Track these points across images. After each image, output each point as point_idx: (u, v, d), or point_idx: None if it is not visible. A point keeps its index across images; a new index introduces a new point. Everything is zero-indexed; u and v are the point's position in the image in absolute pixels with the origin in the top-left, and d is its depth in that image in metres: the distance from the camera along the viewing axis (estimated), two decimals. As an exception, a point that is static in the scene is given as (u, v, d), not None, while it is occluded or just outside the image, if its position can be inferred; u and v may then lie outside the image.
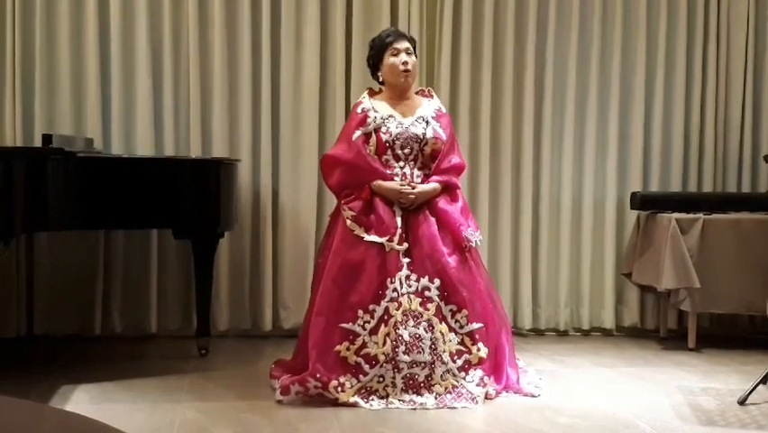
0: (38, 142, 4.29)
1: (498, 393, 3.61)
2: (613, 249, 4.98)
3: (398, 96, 3.80)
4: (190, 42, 4.56)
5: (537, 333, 4.97)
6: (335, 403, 3.43)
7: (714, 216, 4.62)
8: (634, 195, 4.82)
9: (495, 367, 3.66)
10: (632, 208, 4.86)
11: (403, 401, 3.45)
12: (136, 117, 4.55)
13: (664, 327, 4.94)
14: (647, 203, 4.76)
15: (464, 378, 3.54)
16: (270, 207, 4.68)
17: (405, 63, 3.73)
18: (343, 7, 4.68)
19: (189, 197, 4.03)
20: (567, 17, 4.92)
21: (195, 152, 4.57)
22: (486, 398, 3.56)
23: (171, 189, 3.97)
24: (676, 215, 4.59)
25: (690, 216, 4.60)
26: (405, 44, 3.77)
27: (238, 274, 4.69)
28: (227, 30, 4.61)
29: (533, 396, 3.65)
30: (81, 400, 3.45)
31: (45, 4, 4.44)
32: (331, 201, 4.68)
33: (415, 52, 3.82)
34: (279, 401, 3.46)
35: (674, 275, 4.49)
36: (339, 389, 3.45)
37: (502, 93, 4.86)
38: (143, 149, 4.53)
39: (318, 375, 3.45)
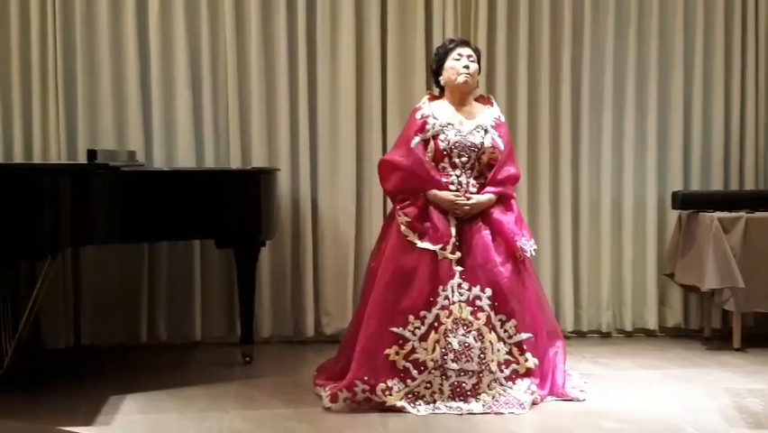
0: (82, 157, 4.38)
1: (542, 399, 3.62)
2: (654, 249, 4.94)
3: (458, 101, 3.80)
4: (228, 54, 4.62)
5: (579, 335, 4.94)
6: (383, 407, 3.46)
7: (757, 214, 4.56)
8: (675, 194, 4.78)
9: (541, 375, 3.66)
10: (673, 208, 4.82)
11: (450, 408, 3.48)
12: (177, 130, 4.62)
13: (708, 327, 4.89)
14: (689, 202, 4.71)
15: (511, 387, 3.55)
16: (310, 215, 4.72)
17: (466, 67, 3.75)
18: (378, 16, 4.70)
19: (231, 207, 4.07)
20: (603, 15, 4.89)
21: (234, 162, 4.62)
22: (532, 403, 3.56)
23: (213, 200, 4.02)
24: (718, 214, 4.55)
25: (733, 214, 4.55)
26: (468, 51, 3.80)
27: (280, 282, 4.73)
28: (264, 42, 4.65)
29: (578, 400, 3.65)
30: (130, 411, 3.51)
31: (85, 23, 4.51)
32: (370, 208, 4.73)
33: (478, 62, 3.83)
34: (328, 409, 3.50)
35: (718, 275, 4.44)
36: (386, 392, 3.48)
37: (539, 94, 4.85)
38: (184, 161, 4.60)
39: (366, 378, 3.49)
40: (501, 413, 3.46)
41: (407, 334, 3.55)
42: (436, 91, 3.93)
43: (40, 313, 4.38)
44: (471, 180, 3.73)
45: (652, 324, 4.96)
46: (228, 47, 4.61)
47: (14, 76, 4.48)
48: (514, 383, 3.56)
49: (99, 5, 4.53)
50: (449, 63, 3.78)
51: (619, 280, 4.97)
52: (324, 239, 4.75)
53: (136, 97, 4.56)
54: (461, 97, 3.80)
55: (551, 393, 3.65)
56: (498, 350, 3.57)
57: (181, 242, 4.55)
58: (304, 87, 4.68)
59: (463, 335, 3.55)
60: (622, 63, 4.92)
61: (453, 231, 3.65)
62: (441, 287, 3.58)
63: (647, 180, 4.94)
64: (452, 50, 3.80)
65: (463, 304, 3.57)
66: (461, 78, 3.75)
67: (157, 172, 4.26)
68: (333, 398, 3.51)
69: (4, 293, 3.99)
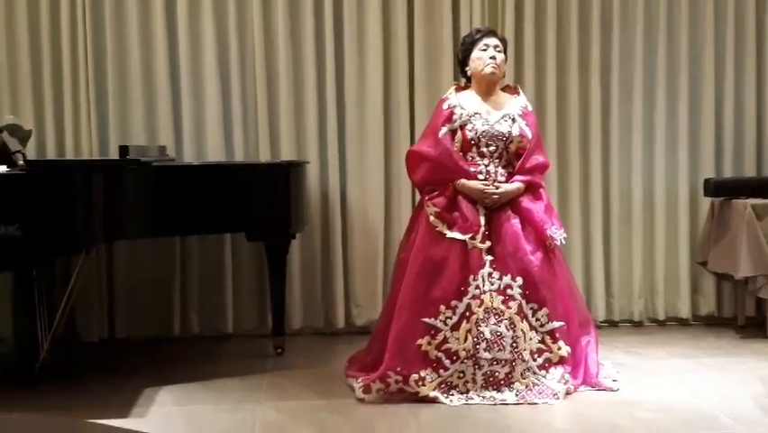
0: (113, 152, 4.42)
1: (575, 388, 3.61)
2: (687, 237, 4.90)
3: (485, 91, 3.79)
4: (256, 48, 4.63)
5: (611, 324, 4.91)
6: (416, 397, 3.48)
7: (791, 200, 4.51)
8: (707, 181, 4.73)
9: (573, 363, 3.65)
10: (705, 195, 4.77)
11: (483, 397, 3.48)
12: (206, 124, 4.65)
13: (742, 315, 4.83)
14: (721, 189, 4.67)
15: (544, 376, 3.55)
16: (339, 207, 4.73)
17: (492, 58, 3.74)
18: (405, 7, 4.69)
19: (261, 200, 4.10)
20: (632, 1, 4.84)
21: (264, 155, 4.65)
22: (566, 393, 3.56)
23: (243, 194, 4.04)
24: (751, 200, 4.50)
25: (766, 201, 4.50)
26: (494, 41, 3.78)
27: (310, 274, 4.76)
28: (291, 35, 4.66)
29: (611, 390, 3.64)
30: (165, 402, 3.55)
31: (114, 21, 4.55)
32: (399, 198, 4.73)
33: (505, 52, 3.82)
34: (361, 400, 3.52)
35: (751, 262, 4.39)
36: (419, 383, 3.49)
37: (568, 83, 4.82)
38: (214, 155, 4.63)
39: (399, 369, 3.50)
40: (535, 403, 3.46)
41: (439, 324, 3.55)
42: (463, 81, 3.92)
43: (74, 307, 4.44)
44: (500, 169, 3.72)
45: (684, 313, 4.92)
46: (256, 41, 4.63)
47: (46, 73, 4.54)
48: (547, 372, 3.56)
49: (128, 3, 4.57)
50: (475, 54, 3.77)
51: (651, 269, 4.93)
52: (353, 231, 4.77)
53: (166, 93, 4.60)
54: (488, 88, 3.79)
55: (584, 383, 3.65)
56: (531, 339, 3.57)
57: (212, 235, 4.58)
58: (331, 79, 4.68)
59: (495, 324, 3.55)
60: (652, 50, 4.87)
61: (483, 220, 3.65)
62: (471, 276, 3.58)
63: (679, 168, 4.89)
64: (478, 40, 3.78)
65: (494, 293, 3.57)
66: (487, 69, 3.74)
67: (187, 167, 4.30)
68: (367, 389, 3.53)
69: (40, 288, 4.06)
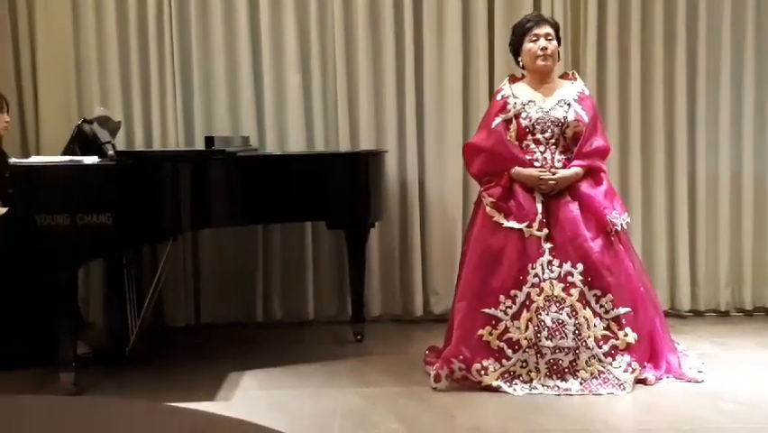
0: (198, 143, 4.54)
1: (658, 379, 3.55)
2: (776, 225, 4.76)
3: (539, 80, 3.76)
4: (336, 40, 4.68)
5: (696, 314, 4.81)
6: (479, 386, 3.49)
7: None
8: (797, 168, 4.59)
9: (652, 353, 3.60)
10: (796, 182, 4.62)
11: (547, 387, 3.46)
12: (287, 114, 4.73)
13: (834, 305, 4.68)
14: (813, 176, 4.51)
15: (611, 364, 3.49)
16: (417, 196, 4.76)
17: (543, 49, 3.69)
18: (485, -1, 4.68)
19: (341, 189, 4.15)
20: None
21: (343, 145, 4.70)
22: (645, 384, 3.51)
23: (324, 183, 4.09)
24: None
25: None
26: (545, 29, 3.72)
27: (388, 262, 4.80)
28: (371, 24, 4.69)
29: (696, 381, 3.56)
30: (250, 387, 3.64)
31: (199, 14, 4.66)
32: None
33: (557, 37, 3.77)
34: (435, 388, 3.54)
35: None
36: (482, 372, 3.50)
37: (652, 68, 4.72)
38: (295, 144, 4.71)
39: (461, 357, 3.52)
40: (600, 394, 3.41)
41: (499, 314, 3.54)
42: (518, 72, 3.87)
43: (162, 293, 4.58)
44: (557, 156, 3.67)
45: (773, 303, 4.79)
46: (336, 33, 4.67)
47: (134, 67, 4.68)
48: (614, 359, 3.49)
49: (212, -1, 4.67)
50: (526, 46, 3.72)
51: (739, 258, 4.80)
52: (431, 219, 4.78)
53: (249, 85, 4.69)
54: (542, 77, 3.75)
55: (667, 373, 3.59)
56: (595, 325, 3.52)
57: (293, 224, 4.66)
58: (410, 69, 4.70)
59: (556, 312, 3.51)
60: (740, 32, 4.73)
61: (540, 208, 3.61)
62: (530, 265, 3.55)
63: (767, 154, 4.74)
64: (529, 30, 3.72)
65: (554, 281, 3.54)
66: (539, 62, 3.70)
67: (270, 157, 4.39)
68: (437, 378, 3.56)
69: (130, 275, 4.21)
